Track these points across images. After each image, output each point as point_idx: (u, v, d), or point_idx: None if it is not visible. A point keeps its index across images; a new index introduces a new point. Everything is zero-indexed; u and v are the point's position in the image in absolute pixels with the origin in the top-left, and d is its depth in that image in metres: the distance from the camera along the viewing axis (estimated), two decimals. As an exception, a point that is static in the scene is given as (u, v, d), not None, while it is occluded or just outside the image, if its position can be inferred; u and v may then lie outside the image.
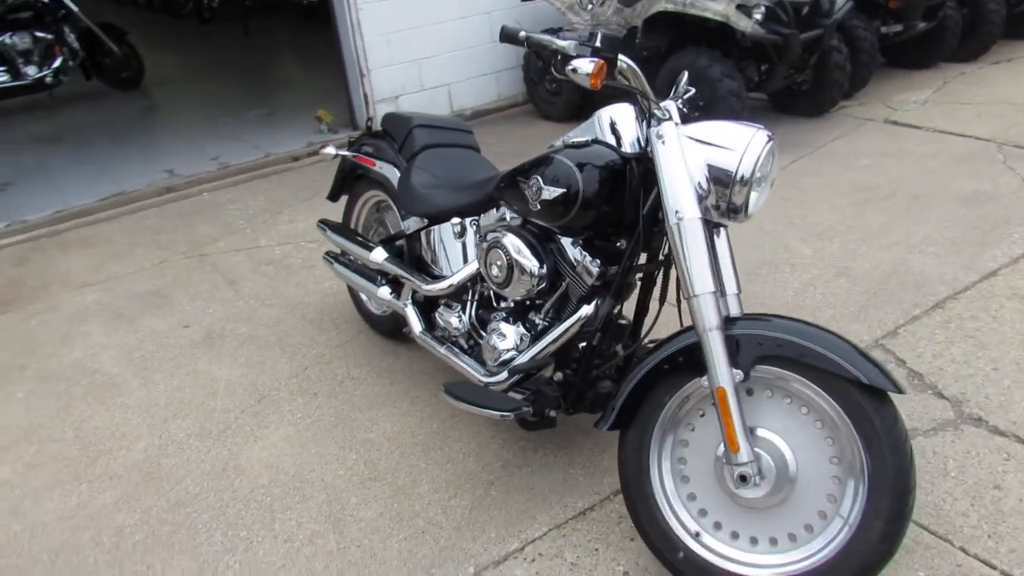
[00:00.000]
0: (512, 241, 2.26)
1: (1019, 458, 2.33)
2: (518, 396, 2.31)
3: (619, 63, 1.87)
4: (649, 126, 1.95)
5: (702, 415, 1.99)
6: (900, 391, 1.78)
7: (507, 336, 2.37)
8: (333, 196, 3.33)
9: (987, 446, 2.38)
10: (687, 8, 4.66)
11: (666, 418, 1.99)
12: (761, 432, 1.92)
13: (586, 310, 2.18)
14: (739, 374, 1.85)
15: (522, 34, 1.95)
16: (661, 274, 2.22)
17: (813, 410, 1.87)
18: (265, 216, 4.75)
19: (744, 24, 4.50)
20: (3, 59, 7.40)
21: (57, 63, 7.66)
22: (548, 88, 5.91)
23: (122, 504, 2.52)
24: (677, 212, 1.88)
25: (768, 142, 1.89)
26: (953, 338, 2.91)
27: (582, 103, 5.79)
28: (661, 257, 2.21)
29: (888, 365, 2.79)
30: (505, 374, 2.31)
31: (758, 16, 4.53)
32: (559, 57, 1.87)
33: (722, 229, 2.05)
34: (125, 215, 4.98)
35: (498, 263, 2.30)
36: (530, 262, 2.23)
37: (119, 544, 2.36)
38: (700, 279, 1.87)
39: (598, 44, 1.83)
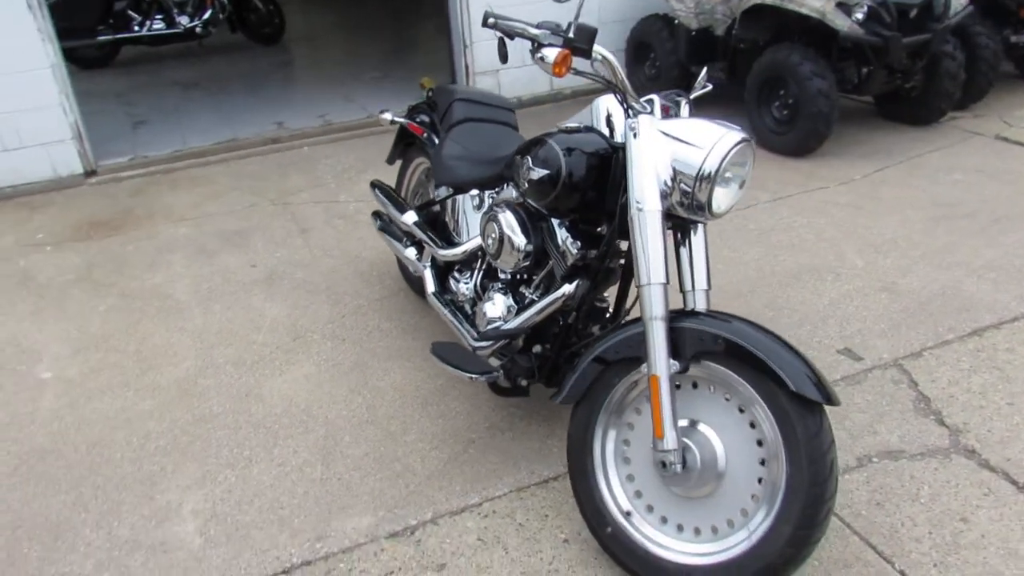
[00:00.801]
0: (506, 217, 2.38)
1: (999, 495, 2.24)
2: (496, 363, 2.45)
3: (594, 54, 1.94)
4: (627, 118, 2.01)
5: (649, 401, 2.06)
6: (830, 403, 1.79)
7: (497, 305, 2.50)
8: (390, 159, 3.55)
9: (970, 479, 2.30)
10: (784, 2, 4.53)
11: (613, 400, 2.07)
12: (701, 427, 1.97)
13: (566, 289, 2.27)
14: (676, 365, 1.90)
15: (491, 20, 2.04)
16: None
17: (748, 411, 1.90)
18: (351, 173, 5.05)
19: (840, 23, 4.34)
20: (160, 8, 8.13)
21: (207, 15, 8.32)
22: (647, 73, 5.89)
23: (155, 413, 2.85)
24: (638, 203, 1.94)
25: (739, 144, 1.91)
26: (978, 367, 2.78)
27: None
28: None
29: (899, 385, 2.72)
30: (489, 340, 2.45)
31: (859, 15, 4.35)
32: (535, 44, 1.96)
33: (699, 226, 2.10)
34: (233, 160, 5.42)
35: (492, 235, 2.42)
36: (519, 238, 2.34)
37: (144, 446, 2.69)
38: (652, 269, 1.92)
39: (571, 35, 1.90)
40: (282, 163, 5.34)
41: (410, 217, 3.04)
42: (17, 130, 4.88)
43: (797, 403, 1.79)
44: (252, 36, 8.97)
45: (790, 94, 4.59)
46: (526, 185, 2.24)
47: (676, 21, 5.42)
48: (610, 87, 2.00)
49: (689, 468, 1.92)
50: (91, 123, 5.42)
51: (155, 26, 8.22)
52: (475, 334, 2.58)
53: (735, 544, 1.89)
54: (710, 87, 2.45)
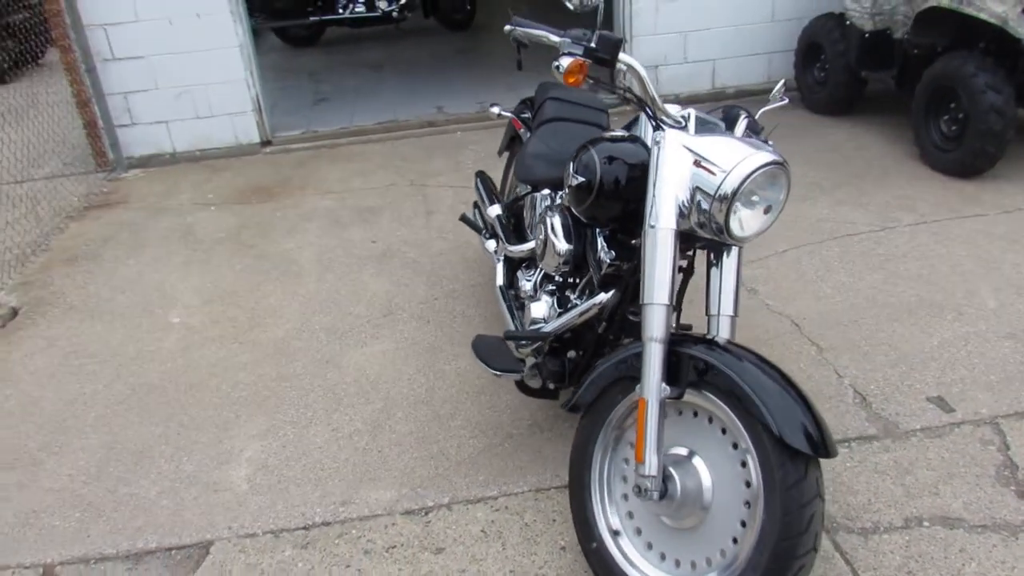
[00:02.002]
0: (554, 220, 2.39)
1: (1057, 590, 1.95)
2: (531, 363, 2.47)
3: (619, 64, 1.90)
4: (655, 130, 1.96)
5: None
6: (819, 454, 1.66)
7: (542, 306, 2.51)
8: (500, 151, 3.64)
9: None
10: (961, 5, 4.07)
11: (616, 416, 2.03)
12: (695, 458, 1.90)
13: (601, 297, 2.25)
14: (667, 390, 1.84)
15: (507, 28, 2.04)
16: (679, 281, 2.20)
17: (740, 449, 1.80)
18: (492, 161, 5.18)
19: (1025, 31, 3.84)
20: (362, -7, 8.75)
21: (404, 0, 8.83)
22: (815, 76, 5.52)
23: (248, 366, 3.16)
24: (652, 220, 1.89)
25: (764, 166, 1.80)
26: (1092, 441, 2.41)
27: (850, 97, 5.33)
28: (685, 264, 2.20)
29: (988, 447, 2.42)
30: (514, 340, 2.47)
31: (1050, 23, 3.83)
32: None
33: (733, 249, 2.01)
34: (389, 140, 5.77)
35: (540, 236, 2.44)
36: (560, 242, 2.35)
37: (230, 394, 3.00)
38: (656, 289, 1.87)
39: (593, 44, 1.87)
40: (432, 146, 5.59)
41: (495, 211, 3.12)
42: (209, 101, 5.50)
43: (780, 449, 1.68)
44: (444, 22, 9.39)
45: (960, 107, 4.13)
46: (567, 191, 2.24)
47: (848, 22, 5.03)
48: (636, 100, 1.95)
49: (669, 497, 1.85)
50: (281, 97, 5.98)
51: (357, 9, 8.87)
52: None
53: (706, 583, 1.81)
54: (786, 101, 2.31)
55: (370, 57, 8.40)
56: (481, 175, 3.53)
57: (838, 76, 5.21)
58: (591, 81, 1.92)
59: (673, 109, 2.02)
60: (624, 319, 2.34)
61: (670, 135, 1.91)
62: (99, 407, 2.97)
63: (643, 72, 1.93)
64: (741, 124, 2.16)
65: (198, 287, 3.82)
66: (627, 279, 2.19)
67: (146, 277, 3.97)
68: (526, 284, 2.81)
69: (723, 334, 1.98)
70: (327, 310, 3.53)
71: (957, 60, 4.14)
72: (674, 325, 2.28)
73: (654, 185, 1.91)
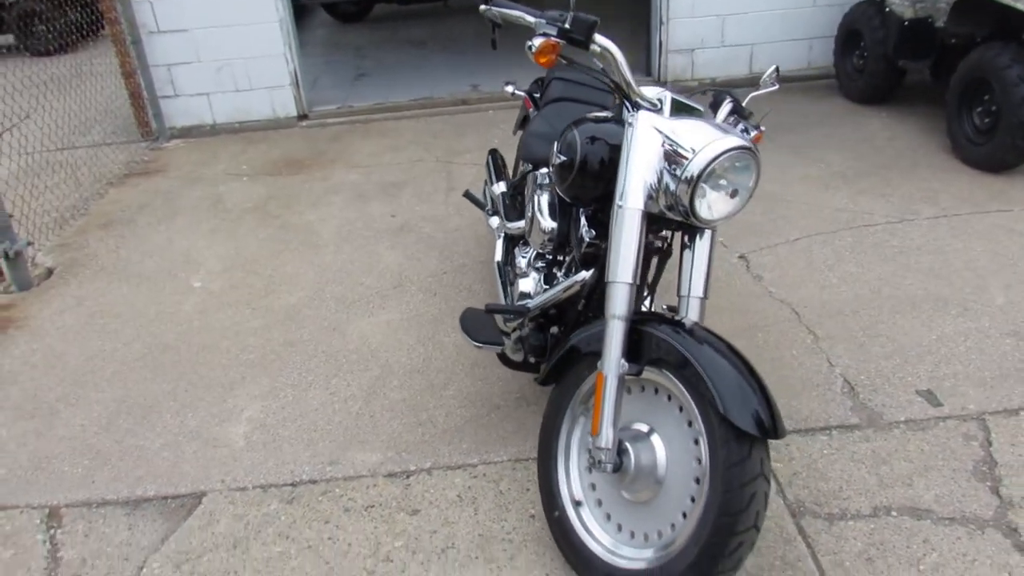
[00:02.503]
0: (542, 197, 2.44)
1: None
2: (514, 336, 2.53)
3: (593, 47, 1.92)
4: (631, 112, 1.98)
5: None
6: (763, 436, 1.70)
7: (530, 281, 2.57)
8: (514, 131, 3.68)
9: (994, 559, 2.01)
10: (998, -8, 3.95)
11: (583, 391, 2.08)
12: (653, 435, 1.94)
13: (582, 275, 2.29)
14: (625, 366, 1.88)
15: (482, 7, 2.07)
16: (657, 264, 2.24)
17: (693, 427, 1.84)
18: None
19: (1064, 21, 3.71)
20: (410, -30, 8.83)
21: (452, -22, 8.89)
22: (854, 63, 5.40)
23: (259, 331, 3.29)
24: (621, 199, 1.93)
25: (730, 151, 1.82)
26: (1079, 441, 2.37)
27: (888, 87, 5.21)
28: (661, 245, 2.23)
29: (970, 442, 2.41)
30: (492, 313, 2.53)
31: (1092, 13, 3.69)
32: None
33: (707, 232, 2.03)
34: (423, 116, 5.85)
35: (528, 214, 2.50)
36: (546, 220, 2.40)
37: (239, 356, 3.13)
38: (620, 267, 1.91)
39: (567, 25, 1.90)
40: (463, 124, 5.66)
41: (499, 188, 3.17)
42: (248, 74, 5.65)
43: (726, 427, 1.71)
44: (490, 0, 9.41)
45: (994, 100, 4.02)
46: (551, 169, 2.28)
47: (888, 8, 4.91)
48: (611, 82, 1.98)
49: (623, 471, 1.90)
50: (324, 71, 6.09)
51: (405, -15, 8.96)
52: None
53: (654, 555, 1.86)
54: (776, 87, 2.32)
55: (415, 34, 8.49)
56: (493, 153, 3.59)
57: (876, 64, 5.10)
58: (564, 61, 1.95)
59: (652, 91, 2.05)
60: (603, 297, 2.38)
61: (642, 117, 1.94)
62: (116, 363, 3.13)
63: (618, 54, 1.95)
64: (724, 109, 2.18)
65: (222, 254, 3.97)
66: (605, 258, 2.22)
67: (175, 243, 4.14)
68: (521, 260, 2.86)
69: (692, 315, 2.01)
70: (340, 280, 3.64)
71: (992, 51, 4.02)
72: (660, 306, 2.32)
73: (625, 166, 1.94)
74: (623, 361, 1.88)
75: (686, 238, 2.05)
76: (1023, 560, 2.00)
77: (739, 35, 5.81)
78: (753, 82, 5.85)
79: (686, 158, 1.83)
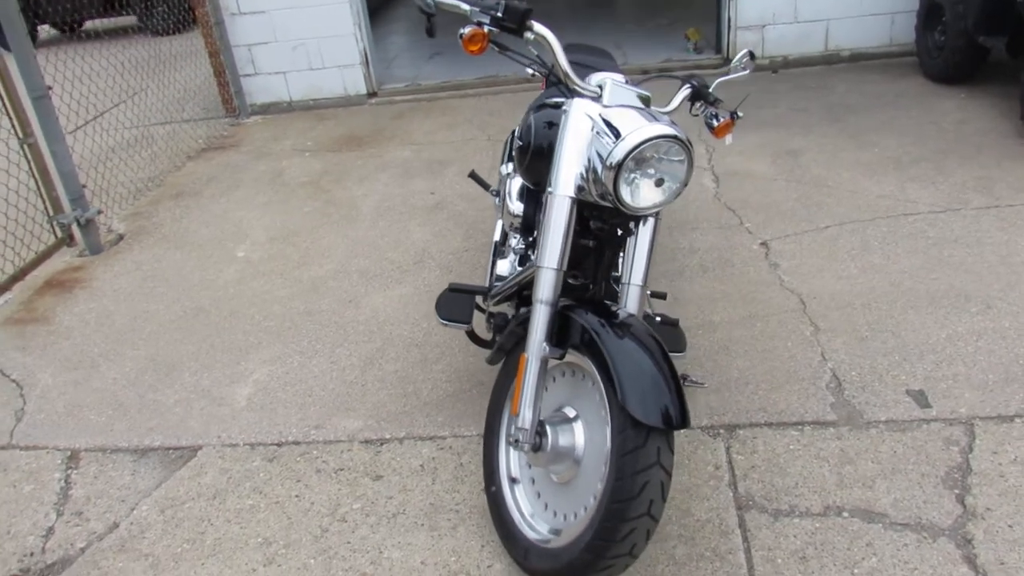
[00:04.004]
0: (513, 181, 2.49)
1: (947, 597, 1.86)
2: (486, 316, 2.60)
3: (527, 34, 1.94)
4: (567, 98, 2.00)
5: (554, 380, 2.10)
6: (668, 426, 1.70)
7: (506, 263, 2.62)
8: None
9: (937, 569, 1.92)
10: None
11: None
12: (577, 420, 1.97)
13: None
14: (546, 349, 1.92)
15: None
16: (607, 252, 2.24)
17: (607, 412, 1.87)
18: (572, 119, 5.24)
19: None
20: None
21: (539, -46, 8.86)
22: (934, 41, 5.06)
23: (286, 300, 3.50)
24: (551, 186, 1.96)
25: (655, 139, 1.81)
26: (1068, 454, 2.21)
27: (968, 65, 4.86)
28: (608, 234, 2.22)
29: (950, 448, 2.29)
30: (453, 292, 2.60)
31: None
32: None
33: (650, 220, 2.04)
34: (486, 95, 5.94)
35: (500, 196, 2.54)
36: (513, 204, 2.44)
37: (261, 323, 3.35)
38: (547, 253, 1.94)
39: (500, 14, 1.92)
40: (524, 102, 5.69)
41: (505, 168, 3.22)
42: (321, 53, 5.90)
43: (624, 415, 1.73)
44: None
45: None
46: (513, 154, 2.32)
47: (969, -20, 4.57)
48: (547, 69, 1.99)
49: (542, 451, 1.95)
50: (403, 50, 6.26)
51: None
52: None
53: (563, 535, 1.91)
54: (747, 72, 2.26)
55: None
56: (513, 133, 3.63)
57: (956, 41, 4.76)
58: (496, 49, 1.99)
59: (600, 77, 2.05)
60: (564, 282, 2.41)
61: (575, 103, 1.95)
62: (155, 324, 3.42)
63: (554, 42, 1.97)
64: (680, 95, 2.15)
65: (268, 226, 4.22)
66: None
67: (230, 214, 4.43)
68: (512, 241, 2.92)
69: (631, 303, 2.04)
70: (368, 254, 3.81)
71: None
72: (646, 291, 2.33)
73: (558, 152, 1.96)
74: (545, 345, 1.92)
75: (632, 226, 2.06)
76: (968, 573, 1.91)
77: (814, 10, 5.55)
78: (829, 60, 5.64)
79: (611, 145, 1.84)
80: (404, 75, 6.36)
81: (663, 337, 2.44)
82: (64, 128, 4.00)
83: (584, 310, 1.94)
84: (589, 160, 1.91)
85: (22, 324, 3.54)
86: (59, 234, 4.04)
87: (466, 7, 2.00)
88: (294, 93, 6.06)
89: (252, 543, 2.25)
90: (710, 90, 2.21)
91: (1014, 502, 2.09)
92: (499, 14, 1.93)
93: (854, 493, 2.18)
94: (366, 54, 5.94)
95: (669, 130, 1.83)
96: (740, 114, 2.33)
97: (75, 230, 4.09)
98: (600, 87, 2.00)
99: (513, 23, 1.93)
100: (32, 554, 2.30)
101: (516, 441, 1.94)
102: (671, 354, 2.43)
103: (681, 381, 2.61)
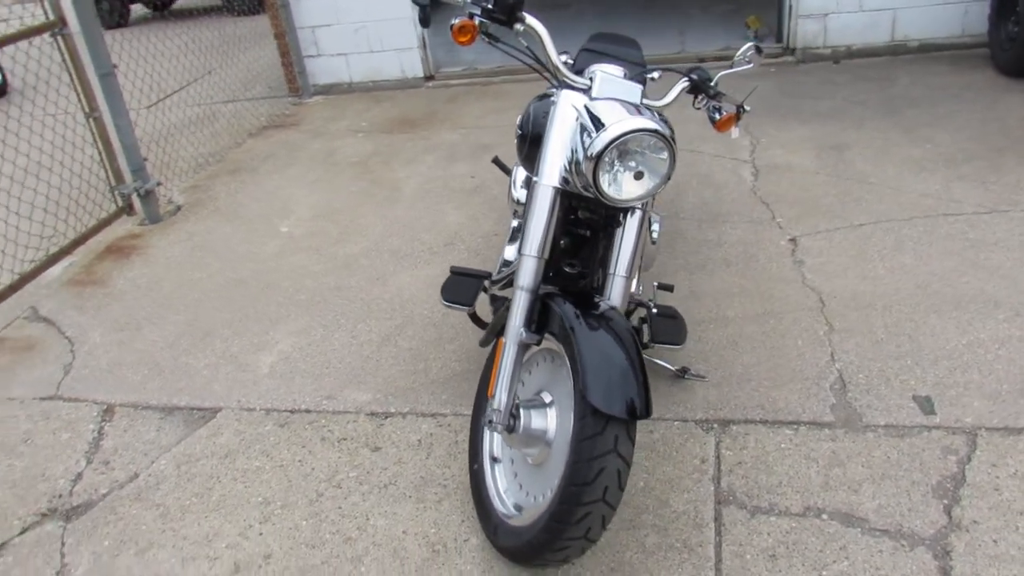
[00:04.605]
0: (519, 169, 2.53)
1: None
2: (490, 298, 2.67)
3: (517, 26, 1.98)
4: (557, 90, 2.03)
5: (536, 365, 2.15)
6: (631, 416, 1.73)
7: (511, 250, 2.67)
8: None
9: (903, 577, 1.91)
10: None
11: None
12: (551, 410, 2.01)
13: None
14: (523, 334, 1.97)
15: None
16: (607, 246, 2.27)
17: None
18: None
19: None
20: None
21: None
22: (1008, 32, 4.81)
23: (319, 275, 3.65)
24: (537, 175, 2.00)
25: (633, 132, 1.83)
26: (1070, 471, 2.13)
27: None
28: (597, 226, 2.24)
29: (947, 457, 2.24)
30: (451, 274, 2.66)
31: None
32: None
33: (637, 212, 2.06)
34: (541, 80, 5.92)
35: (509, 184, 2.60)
36: (516, 191, 2.49)
37: (292, 296, 3.50)
38: (530, 241, 1.99)
39: (490, 5, 1.96)
40: (577, 88, 5.69)
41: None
42: (380, 36, 6.04)
43: (585, 402, 1.77)
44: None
45: None
46: (515, 142, 2.37)
47: (1045, -31, 4.33)
48: (536, 61, 2.03)
49: (514, 433, 2.00)
50: None
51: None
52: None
53: (525, 515, 1.97)
54: (751, 65, 2.24)
55: (563, -3, 8.54)
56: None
57: (1031, 33, 4.52)
58: (486, 39, 2.03)
59: (596, 68, 2.07)
60: (560, 270, 2.44)
61: (563, 95, 1.99)
62: (198, 292, 3.62)
63: (544, 34, 2.00)
64: (676, 88, 2.15)
65: (314, 203, 4.38)
66: (556, 232, 2.29)
67: (281, 190, 4.61)
68: (516, 227, 2.97)
69: (615, 293, 2.07)
70: (402, 234, 3.91)
71: None
72: (652, 284, 2.34)
73: (545, 143, 2.00)
74: (523, 330, 1.97)
75: (620, 217, 2.08)
76: (933, 586, 1.89)
77: (882, -1, 5.35)
78: (895, 51, 5.44)
79: (592, 136, 1.87)
80: (462, 59, 6.43)
81: (660, 329, 2.48)
82: (141, 104, 4.23)
83: (563, 299, 1.97)
84: (573, 151, 1.94)
85: (81, 286, 3.80)
86: (120, 203, 4.30)
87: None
88: (354, 75, 6.22)
89: (253, 501, 2.39)
90: (712, 83, 2.20)
91: (1004, 517, 2.03)
92: (489, 5, 1.98)
93: (838, 496, 2.16)
94: (424, 38, 6.04)
95: (650, 124, 1.84)
96: (747, 108, 2.32)
97: (135, 200, 4.34)
98: (591, 79, 2.02)
99: (503, 15, 1.97)
100: (60, 496, 2.50)
101: (490, 422, 2.01)
102: (667, 346, 2.47)
103: (681, 374, 2.64)
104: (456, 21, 1.99)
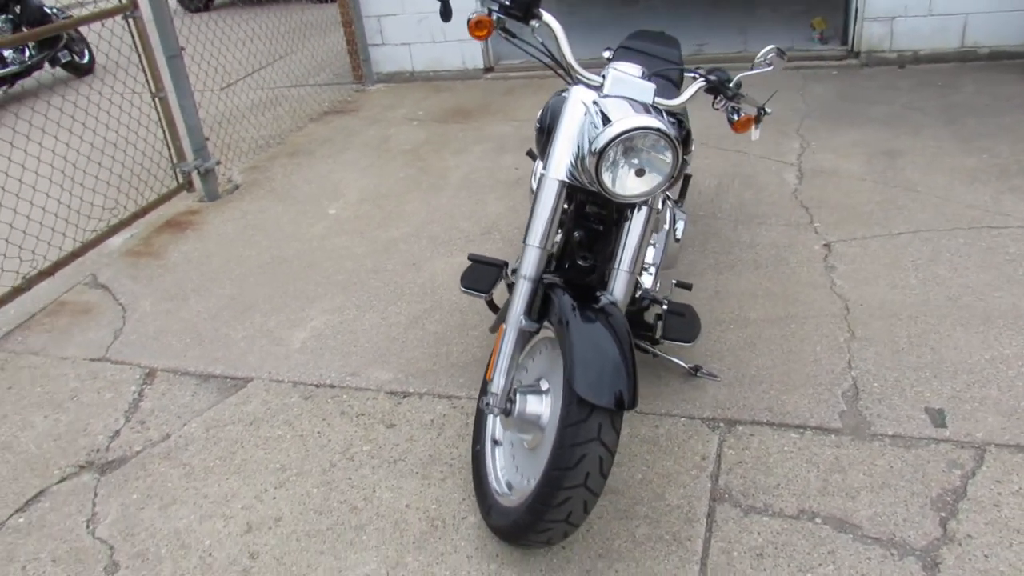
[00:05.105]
0: (538, 163, 2.59)
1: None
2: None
3: (533, 22, 2.03)
4: (569, 86, 2.08)
5: (540, 353, 2.21)
6: (619, 407, 1.77)
7: (534, 238, 2.73)
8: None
9: (887, 585, 1.91)
10: None
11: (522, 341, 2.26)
12: (547, 397, 2.07)
13: (557, 237, 2.44)
14: (523, 321, 2.04)
15: None
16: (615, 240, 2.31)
17: (570, 382, 1.96)
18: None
19: None
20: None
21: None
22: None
23: (359, 257, 3.78)
24: (544, 168, 2.06)
25: (635, 130, 1.87)
26: (1078, 493, 2.07)
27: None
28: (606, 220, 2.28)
29: (951, 471, 2.21)
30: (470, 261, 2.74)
31: None
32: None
33: (644, 208, 2.10)
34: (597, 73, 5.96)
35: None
36: (534, 182, 2.55)
37: (331, 276, 3.64)
38: (532, 232, 2.05)
39: (508, 1, 2.02)
40: (632, 85, 5.69)
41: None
42: (443, 27, 6.14)
43: (571, 390, 1.82)
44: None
45: None
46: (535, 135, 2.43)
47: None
48: (550, 58, 2.08)
49: (510, 417, 2.07)
50: (525, 27, 6.44)
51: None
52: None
53: (516, 498, 2.03)
54: (770, 68, 2.25)
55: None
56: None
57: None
58: (502, 34, 2.09)
59: (627, 66, 2.10)
60: (575, 265, 2.49)
61: (574, 91, 2.04)
62: (244, 268, 3.80)
63: (560, 32, 2.06)
64: (691, 89, 2.17)
65: (363, 187, 4.52)
66: (569, 225, 2.34)
67: (333, 174, 4.77)
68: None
69: (618, 288, 2.11)
70: (442, 221, 4.02)
71: None
72: (671, 281, 2.38)
73: (555, 137, 2.06)
74: (523, 318, 2.04)
75: (628, 212, 2.12)
76: (918, 594, 1.88)
77: (951, 2, 5.17)
78: (965, 57, 5.27)
79: (597, 132, 1.91)
80: (521, 51, 6.49)
81: (671, 325, 2.50)
82: (216, 85, 4.44)
83: (563, 290, 2.03)
84: (579, 146, 1.99)
85: (138, 256, 4.03)
86: (180, 180, 4.52)
87: (478, -6, 2.12)
88: (416, 64, 6.36)
89: (271, 467, 2.52)
90: (732, 84, 2.21)
91: (999, 533, 2.00)
92: (507, 2, 2.04)
93: (834, 501, 2.16)
94: (485, 29, 6.12)
95: (654, 123, 1.88)
96: (768, 110, 2.32)
97: (195, 177, 4.56)
98: (603, 77, 2.07)
99: (520, 11, 2.03)
100: (98, 450, 2.68)
101: (488, 404, 2.08)
102: (677, 342, 2.50)
103: (693, 372, 2.67)
104: (473, 16, 2.06)
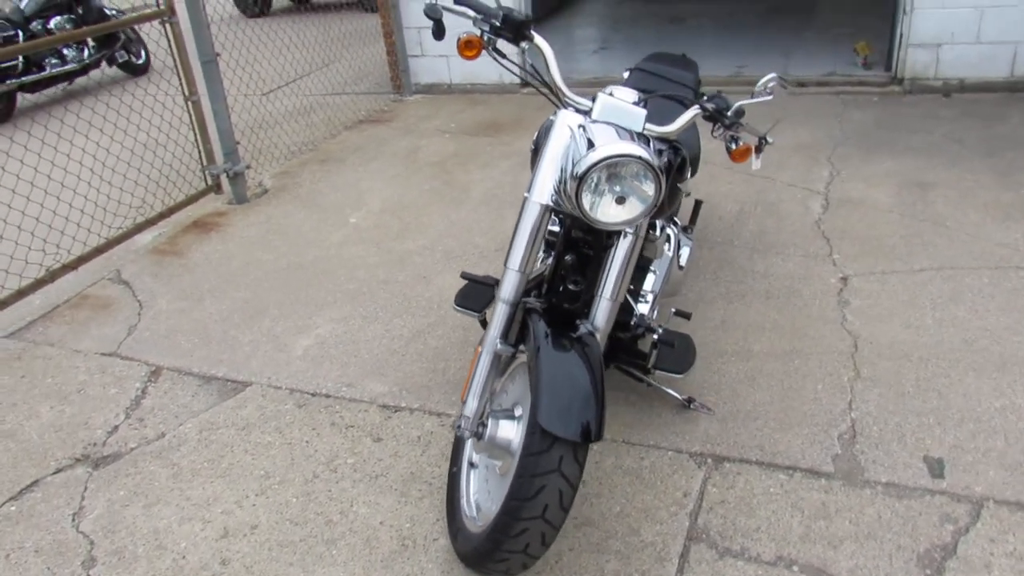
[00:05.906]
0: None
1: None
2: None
3: (524, 45, 2.01)
4: (558, 110, 2.06)
5: (518, 377, 2.18)
6: (584, 439, 1.73)
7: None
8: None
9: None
10: None
11: (500, 362, 2.23)
12: (519, 423, 2.04)
13: (548, 260, 2.41)
14: (499, 344, 2.02)
15: (426, 4, 2.16)
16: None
17: (537, 414, 1.93)
18: (707, 126, 5.12)
19: None
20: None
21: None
22: None
23: (372, 267, 3.80)
24: (528, 191, 2.03)
25: (616, 157, 1.83)
26: (1075, 559, 1.95)
27: None
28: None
29: (943, 525, 2.11)
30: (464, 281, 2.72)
31: None
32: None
33: (629, 236, 2.07)
34: (634, 94, 5.91)
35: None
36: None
37: (343, 285, 3.67)
38: (512, 255, 2.03)
39: (499, 23, 2.01)
40: (667, 104, 5.63)
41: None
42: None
43: (535, 420, 1.79)
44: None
45: None
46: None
47: None
48: (539, 80, 2.06)
49: (481, 441, 2.04)
50: (569, 42, 6.39)
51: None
52: None
53: (479, 523, 2.00)
54: (771, 97, 2.20)
55: (682, 10, 8.40)
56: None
57: None
58: (492, 55, 2.08)
59: (621, 91, 2.07)
60: (566, 288, 2.45)
61: (561, 115, 2.02)
62: (260, 272, 3.85)
63: (549, 54, 2.04)
64: (684, 116, 2.13)
65: (386, 198, 4.55)
66: (560, 248, 2.31)
67: (360, 183, 4.81)
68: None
69: (600, 316, 2.07)
70: (458, 236, 4.02)
71: None
72: (669, 310, 2.34)
73: (540, 160, 2.03)
74: (499, 340, 2.02)
75: (612, 239, 2.09)
76: (890, 654, 1.79)
77: (1000, 30, 4.99)
78: (1013, 87, 5.07)
79: (579, 157, 1.89)
80: (561, 67, 6.47)
81: (661, 355, 2.45)
82: (260, 90, 4.53)
83: (539, 316, 2.00)
84: (562, 171, 1.97)
85: (162, 255, 4.12)
86: (208, 182, 4.61)
87: (472, 13, 2.11)
88: (454, 76, 6.39)
89: (255, 474, 2.54)
90: (730, 112, 2.16)
91: (985, 596, 1.90)
92: (498, 23, 2.03)
93: (814, 549, 2.08)
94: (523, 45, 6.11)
95: (636, 151, 1.84)
96: (770, 140, 2.26)
97: (223, 180, 4.65)
98: (592, 100, 2.04)
99: (510, 32, 2.02)
100: (95, 444, 2.74)
101: (459, 427, 2.06)
102: (668, 373, 2.44)
103: (687, 404, 2.61)
104: (463, 36, 2.05)
